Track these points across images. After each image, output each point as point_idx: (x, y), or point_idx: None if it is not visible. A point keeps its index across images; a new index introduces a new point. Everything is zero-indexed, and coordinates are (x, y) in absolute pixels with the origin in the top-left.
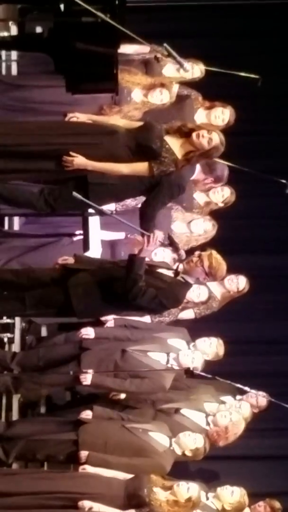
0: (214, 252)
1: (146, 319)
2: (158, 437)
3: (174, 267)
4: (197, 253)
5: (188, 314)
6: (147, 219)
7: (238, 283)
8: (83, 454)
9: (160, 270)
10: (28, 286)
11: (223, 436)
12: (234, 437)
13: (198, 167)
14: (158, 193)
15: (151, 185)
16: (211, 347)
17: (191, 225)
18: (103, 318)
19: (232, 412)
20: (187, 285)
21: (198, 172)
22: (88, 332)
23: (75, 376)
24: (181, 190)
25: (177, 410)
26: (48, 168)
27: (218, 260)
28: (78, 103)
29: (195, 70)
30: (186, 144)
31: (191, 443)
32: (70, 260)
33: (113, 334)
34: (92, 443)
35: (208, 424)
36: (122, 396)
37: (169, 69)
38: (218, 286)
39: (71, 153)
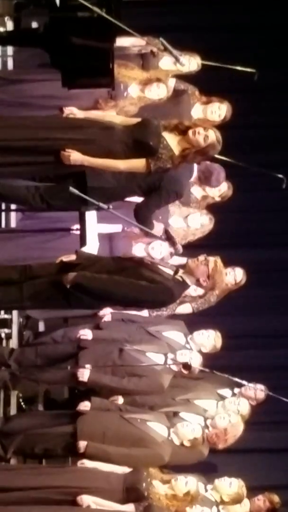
0: (219, 260)
1: (144, 313)
2: (157, 427)
3: (171, 261)
4: (203, 255)
5: (185, 309)
6: (141, 221)
7: (236, 275)
8: (82, 444)
9: (160, 267)
10: (25, 280)
11: (222, 438)
12: (233, 439)
13: (195, 172)
14: (154, 197)
15: (149, 189)
16: (208, 340)
17: (188, 219)
18: (100, 313)
19: (230, 414)
20: (184, 284)
21: (194, 178)
22: (85, 333)
23: (73, 374)
24: (178, 196)
25: (175, 414)
26: (44, 163)
27: (221, 268)
28: (74, 97)
29: (192, 63)
30: (182, 141)
31: (189, 433)
32: (72, 257)
33: (111, 336)
34: (91, 434)
35: (207, 427)
36: (120, 401)
37: (166, 62)
38: None
39: (67, 149)
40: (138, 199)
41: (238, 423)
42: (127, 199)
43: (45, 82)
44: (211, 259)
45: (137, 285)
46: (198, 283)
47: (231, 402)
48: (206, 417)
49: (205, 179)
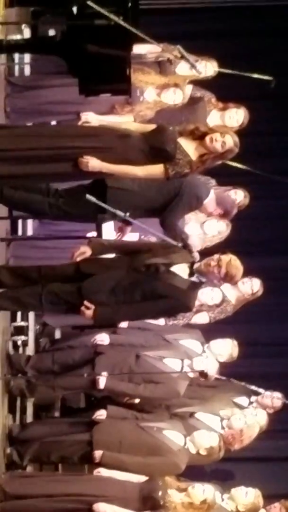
0: (233, 258)
1: (160, 321)
2: (173, 436)
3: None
4: (216, 257)
5: (202, 318)
6: (169, 229)
7: (252, 285)
8: (98, 453)
9: (176, 267)
10: (44, 283)
11: (238, 439)
12: (249, 440)
13: (212, 195)
14: (177, 204)
15: (170, 197)
16: (225, 349)
17: (205, 226)
18: None
19: (246, 415)
20: (200, 286)
21: (210, 200)
22: (102, 339)
23: (89, 379)
24: (199, 201)
25: (192, 414)
26: (62, 171)
27: (236, 266)
28: (90, 102)
29: (208, 68)
30: (200, 147)
31: (205, 441)
32: (88, 253)
33: (128, 341)
34: (107, 443)
35: (223, 428)
36: (137, 400)
37: (183, 68)
38: (233, 289)
39: (85, 156)
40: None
41: (254, 424)
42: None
43: (61, 88)
44: (224, 262)
45: (152, 306)
46: (213, 284)
47: (248, 414)
48: (222, 417)
49: (221, 201)
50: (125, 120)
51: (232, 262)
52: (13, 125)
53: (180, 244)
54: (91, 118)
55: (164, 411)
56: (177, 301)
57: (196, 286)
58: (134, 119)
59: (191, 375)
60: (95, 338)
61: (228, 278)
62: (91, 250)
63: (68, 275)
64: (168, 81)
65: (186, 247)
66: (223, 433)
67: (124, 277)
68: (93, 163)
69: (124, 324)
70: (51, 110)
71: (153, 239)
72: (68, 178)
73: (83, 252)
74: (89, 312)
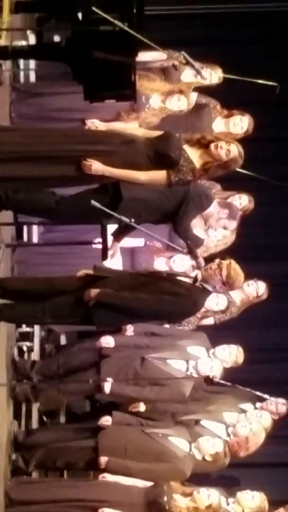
0: (233, 262)
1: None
2: (178, 442)
3: (193, 274)
4: (216, 261)
5: (208, 320)
6: (184, 235)
7: (258, 287)
8: (103, 460)
9: (179, 278)
10: (47, 295)
11: (244, 447)
12: (254, 447)
13: (214, 202)
14: (188, 206)
15: (178, 200)
16: (230, 356)
17: (209, 232)
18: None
19: (252, 422)
20: (206, 292)
21: (214, 205)
22: (107, 341)
23: (95, 384)
24: (209, 199)
25: (197, 422)
26: (65, 174)
27: (236, 270)
28: (96, 109)
29: (213, 76)
30: (204, 155)
31: (210, 447)
32: (89, 273)
33: (132, 342)
34: (112, 449)
35: (228, 435)
36: (142, 408)
37: (187, 75)
38: (238, 291)
39: (89, 159)
40: None
41: (259, 431)
42: None
43: (67, 95)
44: (224, 264)
45: (159, 300)
46: (215, 290)
47: (253, 415)
48: (227, 425)
49: (225, 205)
50: (131, 127)
51: (232, 265)
52: (17, 126)
53: (185, 250)
54: (97, 124)
55: (169, 418)
56: (184, 298)
57: (203, 289)
58: (140, 126)
59: (195, 374)
60: (100, 340)
61: (230, 281)
62: (94, 273)
63: (73, 288)
64: (173, 87)
65: (191, 252)
66: (228, 440)
67: (129, 279)
68: (96, 166)
69: (130, 332)
70: (56, 116)
71: (158, 244)
72: (71, 181)
73: (86, 272)
74: (95, 290)
